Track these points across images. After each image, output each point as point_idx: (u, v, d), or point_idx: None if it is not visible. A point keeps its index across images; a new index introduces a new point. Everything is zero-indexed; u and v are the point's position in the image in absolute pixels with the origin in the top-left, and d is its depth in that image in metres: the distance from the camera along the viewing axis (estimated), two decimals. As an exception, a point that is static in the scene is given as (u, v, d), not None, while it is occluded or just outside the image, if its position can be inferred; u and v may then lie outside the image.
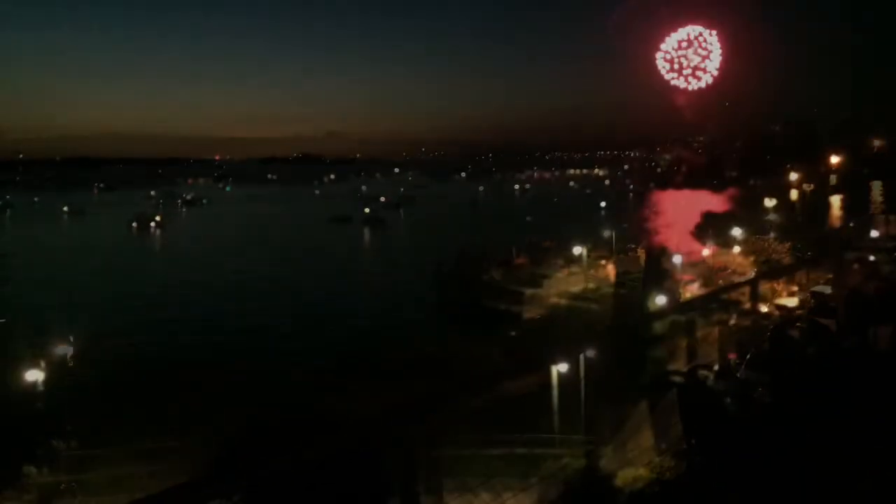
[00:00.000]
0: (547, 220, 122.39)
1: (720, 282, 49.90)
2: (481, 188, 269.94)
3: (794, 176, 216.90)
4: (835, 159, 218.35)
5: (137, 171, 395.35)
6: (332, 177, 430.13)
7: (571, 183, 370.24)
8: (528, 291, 52.61)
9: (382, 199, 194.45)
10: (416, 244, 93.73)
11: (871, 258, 49.06)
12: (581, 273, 55.87)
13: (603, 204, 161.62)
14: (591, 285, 53.39)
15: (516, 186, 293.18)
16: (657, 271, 36.53)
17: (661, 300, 33.08)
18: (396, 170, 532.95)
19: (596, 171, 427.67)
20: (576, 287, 53.28)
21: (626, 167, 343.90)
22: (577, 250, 57.57)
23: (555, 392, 23.54)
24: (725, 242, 62.19)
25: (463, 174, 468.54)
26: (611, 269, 57.04)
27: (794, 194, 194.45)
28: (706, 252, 60.97)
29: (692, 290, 49.46)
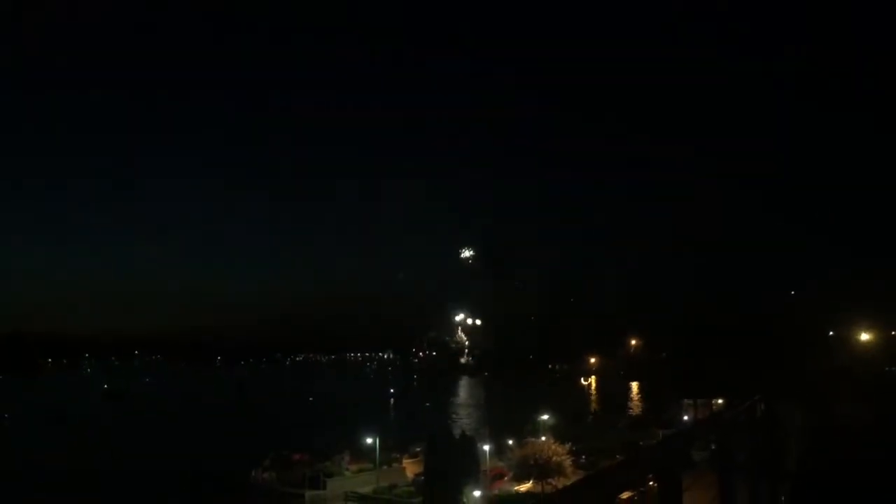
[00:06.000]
0: (329, 406, 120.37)
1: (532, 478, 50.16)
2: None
3: (593, 360, 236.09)
4: (633, 342, 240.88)
5: None
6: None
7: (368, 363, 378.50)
8: (308, 493, 49.87)
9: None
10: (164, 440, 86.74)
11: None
12: (373, 470, 54.08)
13: (392, 391, 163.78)
14: (384, 484, 51.64)
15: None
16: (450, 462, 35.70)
17: (477, 494, 32.34)
18: (137, 352, 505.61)
19: (387, 355, 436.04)
20: (367, 487, 51.23)
21: (414, 350, 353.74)
22: (369, 441, 56.06)
23: None
24: (533, 429, 63.79)
25: (218, 358, 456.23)
26: (409, 466, 56.12)
27: (593, 380, 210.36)
28: (510, 442, 61.97)
29: (500, 485, 49.48)
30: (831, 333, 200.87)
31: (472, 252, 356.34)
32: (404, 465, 58.05)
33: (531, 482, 47.79)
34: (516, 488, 48.49)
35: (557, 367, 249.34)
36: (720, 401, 74.69)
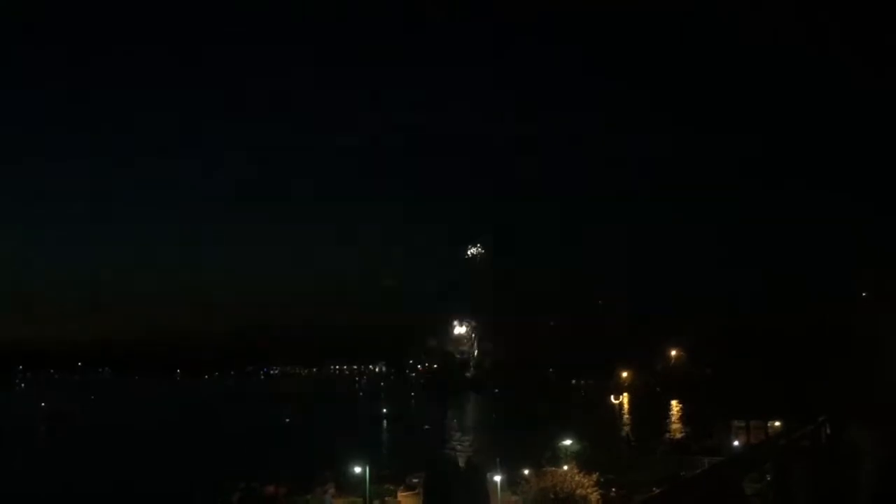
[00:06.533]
0: (309, 429, 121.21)
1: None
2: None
3: (624, 374, 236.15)
4: (674, 353, 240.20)
5: None
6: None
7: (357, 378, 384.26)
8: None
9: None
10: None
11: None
12: (362, 504, 54.22)
13: (385, 410, 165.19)
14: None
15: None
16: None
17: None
18: (80, 363, 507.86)
19: (378, 367, 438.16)
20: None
21: (411, 362, 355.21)
22: (358, 471, 56.09)
23: None
24: (553, 457, 63.83)
25: (178, 371, 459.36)
26: (405, 500, 56.44)
27: (624, 397, 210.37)
28: (526, 471, 61.96)
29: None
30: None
31: (480, 248, 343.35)
32: (400, 499, 58.10)
33: (551, 520, 47.73)
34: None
35: (582, 382, 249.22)
36: (777, 423, 74.56)
